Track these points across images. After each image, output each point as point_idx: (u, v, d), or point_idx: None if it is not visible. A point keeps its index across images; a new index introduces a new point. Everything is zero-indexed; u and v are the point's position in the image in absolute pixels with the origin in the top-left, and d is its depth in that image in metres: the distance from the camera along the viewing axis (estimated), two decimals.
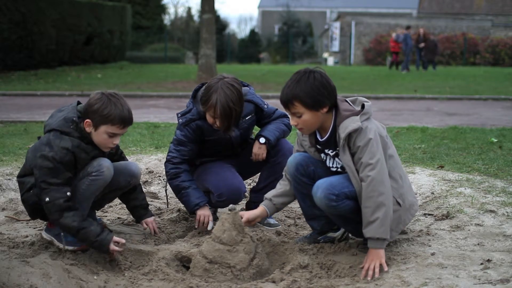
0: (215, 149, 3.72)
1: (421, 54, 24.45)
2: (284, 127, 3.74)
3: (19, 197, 3.48)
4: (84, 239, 3.00)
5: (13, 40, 18.72)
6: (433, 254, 3.01)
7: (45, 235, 3.23)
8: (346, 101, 3.04)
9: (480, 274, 2.72)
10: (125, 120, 3.05)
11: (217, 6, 73.81)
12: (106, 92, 3.07)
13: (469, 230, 3.43)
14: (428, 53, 24.37)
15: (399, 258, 2.98)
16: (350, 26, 35.48)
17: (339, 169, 3.10)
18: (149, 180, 4.86)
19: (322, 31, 45.78)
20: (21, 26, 18.90)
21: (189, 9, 68.30)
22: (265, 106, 3.73)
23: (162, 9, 42.81)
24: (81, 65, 23.00)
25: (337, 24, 36.45)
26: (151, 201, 4.27)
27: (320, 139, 3.10)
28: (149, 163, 5.29)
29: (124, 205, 3.69)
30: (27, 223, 3.69)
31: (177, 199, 4.38)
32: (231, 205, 3.05)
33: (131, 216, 3.71)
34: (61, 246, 3.11)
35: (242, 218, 3.16)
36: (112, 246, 3.01)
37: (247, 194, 4.16)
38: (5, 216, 3.82)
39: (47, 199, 2.95)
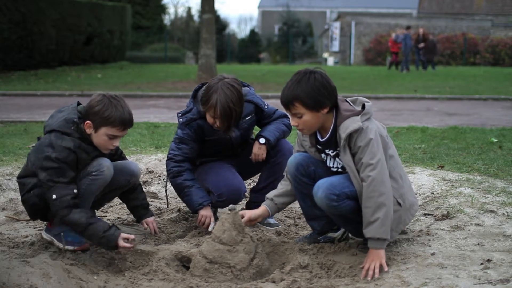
0: (215, 149, 3.72)
1: (420, 53, 24.46)
2: (284, 127, 3.74)
3: (19, 197, 3.48)
4: (92, 235, 3.00)
5: (13, 40, 18.72)
6: (433, 254, 3.01)
7: (45, 235, 3.23)
8: (347, 101, 3.04)
9: (480, 274, 2.72)
10: (126, 123, 3.06)
11: (217, 6, 73.87)
12: (107, 94, 3.07)
13: (469, 230, 3.43)
14: (428, 53, 24.38)
15: (399, 258, 2.98)
16: (350, 26, 35.48)
17: (339, 169, 3.10)
18: (149, 180, 4.86)
19: (322, 31, 45.78)
20: (21, 26, 18.90)
21: (189, 9, 68.35)
22: (265, 107, 3.73)
23: (162, 9, 42.81)
24: (81, 65, 23.00)
25: (337, 24, 36.45)
26: (151, 201, 4.27)
27: (320, 139, 3.10)
28: (149, 163, 5.29)
29: (124, 205, 3.70)
30: (27, 223, 3.69)
31: (177, 199, 4.39)
32: (231, 205, 3.05)
33: (131, 216, 3.72)
34: (61, 246, 3.11)
35: (243, 217, 3.16)
36: (122, 243, 3.01)
37: (247, 194, 4.16)
38: (5, 216, 3.82)
39: (54, 196, 2.96)
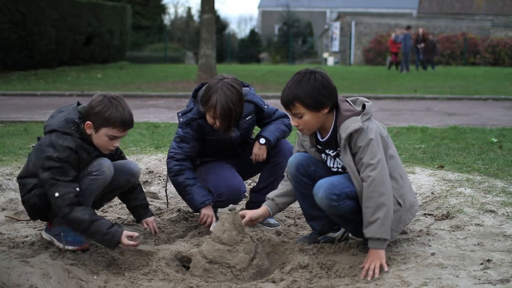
0: (215, 149, 3.72)
1: (419, 53, 24.46)
2: (285, 127, 3.74)
3: (19, 197, 3.48)
4: (94, 232, 2.99)
5: (13, 40, 18.73)
6: (433, 254, 3.01)
7: (45, 235, 3.23)
8: (347, 101, 3.04)
9: (480, 274, 2.72)
10: (126, 123, 3.06)
11: (217, 6, 73.86)
12: (108, 95, 3.07)
13: (469, 230, 3.43)
14: (427, 53, 24.39)
15: (399, 258, 2.98)
16: (350, 26, 35.48)
17: (339, 169, 3.10)
18: (149, 180, 4.86)
19: (322, 31, 45.78)
20: (21, 26, 18.91)
21: (189, 9, 68.34)
22: (266, 107, 3.73)
23: (162, 9, 42.81)
24: (81, 65, 23.00)
25: (337, 24, 36.45)
26: (151, 201, 4.27)
27: (320, 140, 3.10)
28: (149, 163, 5.29)
29: (124, 205, 3.70)
30: (27, 223, 3.69)
31: (177, 199, 4.39)
32: (231, 205, 3.05)
33: (131, 216, 3.72)
34: (61, 246, 3.11)
35: (245, 217, 3.16)
36: (126, 241, 3.01)
37: (247, 194, 4.16)
38: (5, 216, 3.82)
39: (57, 194, 2.95)
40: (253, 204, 3.72)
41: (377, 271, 2.82)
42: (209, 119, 3.45)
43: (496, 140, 6.63)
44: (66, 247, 3.10)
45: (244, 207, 3.88)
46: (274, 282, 2.84)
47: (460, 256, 2.96)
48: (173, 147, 3.62)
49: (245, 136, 3.75)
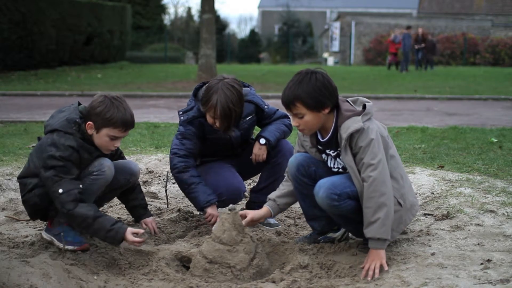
0: (215, 148, 3.72)
1: (418, 53, 24.47)
2: (285, 127, 3.73)
3: (19, 197, 3.48)
4: (98, 229, 2.98)
5: (13, 40, 18.73)
6: (433, 254, 3.01)
7: (45, 235, 3.23)
8: (347, 101, 3.04)
9: (480, 274, 2.72)
10: (127, 124, 3.07)
11: (217, 6, 73.86)
12: (109, 95, 3.08)
13: (469, 230, 3.43)
14: (427, 53, 24.40)
15: (399, 258, 2.98)
16: (350, 26, 35.48)
17: (340, 170, 3.10)
18: (149, 180, 4.86)
19: (322, 31, 45.78)
20: (21, 26, 18.91)
21: (189, 9, 68.34)
22: (266, 107, 3.72)
23: (162, 9, 42.82)
24: (81, 65, 23.01)
25: (337, 24, 36.45)
26: (151, 201, 4.27)
27: (321, 140, 3.10)
28: (149, 163, 5.29)
29: (124, 205, 3.69)
30: (27, 223, 3.69)
31: (177, 199, 4.39)
32: (231, 205, 3.05)
33: (131, 216, 3.71)
34: (61, 246, 3.11)
35: (246, 216, 3.15)
36: (131, 237, 3.00)
37: (247, 194, 4.16)
38: (5, 216, 3.82)
39: (61, 190, 2.95)
40: (253, 204, 3.72)
41: (377, 271, 2.82)
42: (209, 119, 3.45)
43: (496, 140, 6.63)
44: (66, 247, 3.10)
45: (244, 207, 3.88)
46: (274, 282, 2.84)
47: (460, 256, 2.96)
48: (175, 144, 3.60)
49: (245, 136, 3.75)
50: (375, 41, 34.11)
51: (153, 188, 4.72)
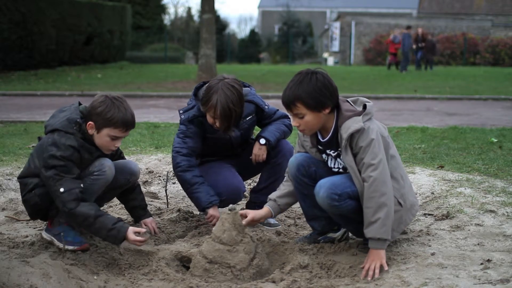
0: (215, 148, 3.72)
1: (417, 53, 24.48)
2: (285, 127, 3.73)
3: (19, 197, 3.48)
4: (100, 228, 2.98)
5: (13, 40, 18.73)
6: (433, 254, 3.01)
7: (45, 235, 3.23)
8: (348, 101, 3.04)
9: (480, 274, 2.72)
10: (128, 124, 3.07)
11: (217, 6, 73.84)
12: (110, 95, 3.08)
13: (469, 230, 3.43)
14: (427, 53, 24.39)
15: (399, 258, 2.98)
16: (350, 26, 35.48)
17: (340, 170, 3.10)
18: (149, 180, 4.86)
19: (322, 31, 45.78)
20: (21, 26, 18.91)
21: (189, 9, 68.35)
22: (266, 107, 3.72)
23: (162, 9, 42.82)
24: (81, 65, 23.01)
25: (337, 24, 36.45)
26: (151, 201, 4.27)
27: (321, 140, 3.10)
28: (149, 163, 5.29)
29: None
30: (27, 223, 3.69)
31: (177, 199, 4.39)
32: (231, 205, 3.05)
33: (130, 216, 3.71)
34: (61, 246, 3.11)
35: (246, 216, 3.15)
36: (133, 236, 2.99)
37: (246, 194, 4.16)
38: (5, 216, 3.82)
39: (62, 189, 2.95)
40: (253, 205, 3.72)
41: (377, 271, 2.82)
42: (209, 119, 3.45)
43: (496, 140, 6.63)
44: (66, 247, 3.10)
45: (244, 207, 3.88)
46: (274, 282, 2.84)
47: (460, 256, 2.96)
48: (178, 142, 3.59)
49: (245, 136, 3.75)
50: (375, 41, 34.11)
51: (153, 188, 4.72)
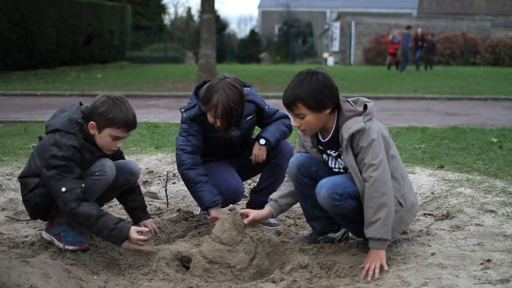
0: (216, 148, 3.72)
1: (416, 53, 24.49)
2: (285, 128, 3.73)
3: (19, 197, 3.48)
4: (102, 227, 2.98)
5: (13, 40, 18.73)
6: (433, 254, 3.01)
7: (45, 235, 3.23)
8: (348, 101, 3.04)
9: (480, 274, 2.72)
10: (130, 124, 3.07)
11: (217, 6, 73.85)
12: (111, 95, 3.08)
13: (469, 230, 3.43)
14: (427, 53, 24.40)
15: (399, 258, 2.98)
16: (350, 26, 35.48)
17: (341, 170, 3.10)
18: (149, 180, 4.86)
19: (322, 31, 45.77)
20: (21, 26, 18.91)
21: (189, 9, 68.36)
22: (266, 107, 3.72)
23: (162, 9, 42.82)
24: (81, 65, 23.01)
25: (337, 24, 36.45)
26: (151, 201, 4.27)
27: (322, 140, 3.10)
28: (149, 163, 5.29)
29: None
30: (27, 223, 3.69)
31: (177, 199, 4.39)
32: (231, 205, 3.05)
33: (130, 217, 3.71)
34: (61, 246, 3.11)
35: (247, 215, 3.15)
36: (136, 235, 2.99)
37: (246, 194, 4.16)
38: (5, 216, 3.82)
39: (64, 189, 2.95)
40: (253, 205, 3.72)
41: (377, 271, 2.82)
42: (210, 118, 3.45)
43: (496, 140, 6.63)
44: (66, 247, 3.10)
45: (245, 208, 3.88)
46: (274, 282, 2.84)
47: (460, 256, 2.96)
48: (181, 141, 3.57)
49: (246, 136, 3.75)
50: (375, 41, 34.10)
51: (153, 188, 4.72)
